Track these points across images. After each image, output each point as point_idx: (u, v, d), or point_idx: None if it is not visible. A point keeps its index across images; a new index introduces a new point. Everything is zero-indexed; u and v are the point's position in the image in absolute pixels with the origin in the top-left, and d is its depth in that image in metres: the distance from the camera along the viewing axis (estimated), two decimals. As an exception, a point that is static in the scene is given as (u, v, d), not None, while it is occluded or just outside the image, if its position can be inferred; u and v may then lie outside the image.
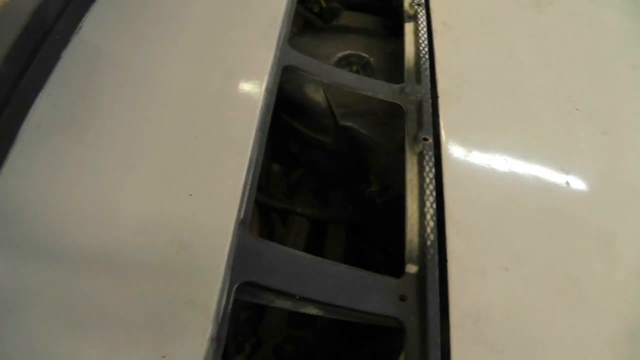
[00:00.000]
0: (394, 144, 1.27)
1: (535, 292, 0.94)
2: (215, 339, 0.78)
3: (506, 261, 0.96)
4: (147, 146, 0.98)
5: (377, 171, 1.31)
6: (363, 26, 1.71)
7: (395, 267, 0.97)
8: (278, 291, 0.88)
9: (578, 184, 1.11)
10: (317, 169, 1.50)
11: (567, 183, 1.10)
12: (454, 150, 1.09)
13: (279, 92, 1.24)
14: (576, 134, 1.21)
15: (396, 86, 1.20)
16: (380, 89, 1.20)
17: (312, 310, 0.89)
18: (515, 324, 0.90)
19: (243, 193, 0.92)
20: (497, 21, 1.42)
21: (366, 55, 1.48)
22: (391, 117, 1.29)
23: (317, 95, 1.37)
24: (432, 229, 0.97)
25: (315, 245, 1.38)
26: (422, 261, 0.95)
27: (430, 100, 1.16)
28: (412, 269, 0.94)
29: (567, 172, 1.11)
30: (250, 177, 0.95)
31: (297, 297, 0.87)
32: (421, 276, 0.93)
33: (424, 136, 1.09)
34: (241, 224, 0.89)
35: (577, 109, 1.25)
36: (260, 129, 1.01)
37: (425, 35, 1.30)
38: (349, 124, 1.33)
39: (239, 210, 0.90)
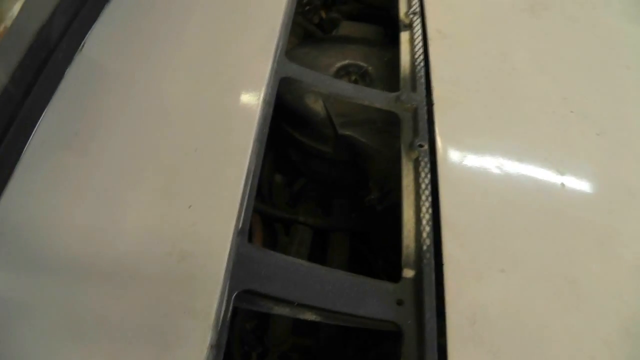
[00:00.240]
0: (392, 152, 1.29)
1: (532, 293, 0.96)
2: (215, 346, 0.80)
3: (502, 263, 0.98)
4: (149, 160, 1.01)
5: (376, 178, 1.33)
6: (362, 36, 1.74)
7: (395, 273, 0.99)
8: (277, 298, 0.90)
9: (574, 185, 1.13)
10: (318, 178, 1.52)
11: (563, 184, 1.12)
12: (449, 156, 1.10)
13: (280, 103, 1.26)
14: (571, 136, 1.22)
15: (392, 94, 1.22)
16: (376, 98, 1.22)
17: (310, 316, 0.91)
18: (512, 324, 0.92)
19: (241, 203, 0.94)
20: (492, 27, 1.44)
21: (365, 65, 1.50)
22: (390, 125, 1.31)
23: (316, 106, 1.39)
24: (428, 234, 0.99)
25: (318, 254, 1.40)
26: (418, 266, 0.96)
27: (425, 107, 1.18)
28: (409, 273, 0.96)
29: (562, 174, 1.13)
30: (249, 187, 0.97)
31: (296, 303, 0.89)
32: (418, 280, 0.95)
33: (419, 143, 1.11)
34: (240, 233, 0.92)
35: (571, 112, 1.26)
36: (258, 139, 1.04)
37: (421, 44, 1.32)
38: (348, 133, 1.35)
39: (238, 220, 0.92)
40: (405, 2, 1.46)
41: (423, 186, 1.05)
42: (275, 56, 1.18)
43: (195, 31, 1.24)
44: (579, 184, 1.14)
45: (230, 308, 0.85)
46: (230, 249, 0.88)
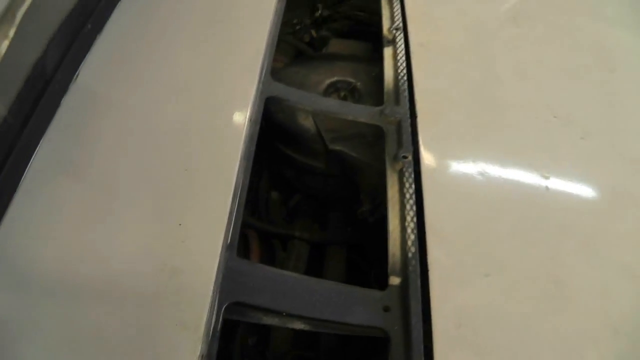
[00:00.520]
0: (382, 165, 1.32)
1: (517, 295, 0.98)
2: (206, 356, 0.83)
3: (487, 267, 1.00)
4: (141, 182, 1.05)
5: (367, 191, 1.36)
6: (351, 52, 1.78)
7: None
8: (266, 309, 0.93)
9: (558, 188, 1.15)
10: (313, 193, 1.55)
11: (547, 188, 1.14)
12: (433, 165, 1.13)
13: (272, 122, 1.30)
14: (555, 141, 1.24)
15: (376, 109, 1.26)
16: (361, 113, 1.26)
17: (299, 325, 0.94)
18: (497, 326, 0.94)
19: (229, 219, 0.98)
20: (475, 38, 1.47)
21: (353, 81, 1.53)
22: (379, 138, 1.35)
23: (307, 122, 1.43)
24: (413, 242, 1.02)
25: (316, 267, 1.43)
26: (404, 273, 0.99)
27: (409, 120, 1.22)
28: (395, 281, 0.99)
29: (546, 178, 1.15)
30: (237, 203, 1.01)
31: (284, 313, 0.92)
32: (404, 287, 0.97)
33: (403, 154, 1.14)
34: (228, 248, 0.95)
35: (555, 117, 1.28)
36: (245, 157, 1.07)
37: (404, 58, 1.35)
38: (338, 148, 1.39)
39: (226, 235, 0.96)
40: (388, 19, 1.50)
41: (407, 196, 1.08)
42: (260, 76, 1.22)
43: (183, 56, 1.29)
44: (563, 187, 1.16)
45: (221, 320, 0.88)
46: (219, 264, 0.92)
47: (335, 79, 1.54)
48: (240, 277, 0.93)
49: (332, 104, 1.28)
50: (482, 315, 0.94)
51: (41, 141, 1.10)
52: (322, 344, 1.31)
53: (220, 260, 0.92)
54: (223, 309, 0.89)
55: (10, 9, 1.09)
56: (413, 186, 1.10)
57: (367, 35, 1.86)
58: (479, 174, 1.14)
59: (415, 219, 1.05)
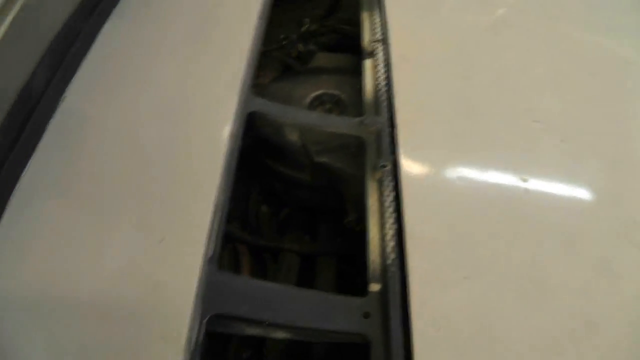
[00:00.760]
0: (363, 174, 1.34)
1: (497, 296, 0.99)
2: (187, 367, 0.85)
3: (466, 270, 1.01)
4: (125, 200, 1.07)
5: (352, 201, 1.37)
6: (336, 65, 1.80)
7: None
8: (248, 320, 0.95)
9: (537, 190, 1.16)
10: (302, 205, 1.57)
11: (526, 190, 1.15)
12: (412, 174, 1.15)
13: (259, 137, 1.33)
14: (534, 144, 1.26)
15: (356, 119, 1.28)
16: (341, 124, 1.28)
17: (281, 334, 0.96)
18: (477, 327, 0.95)
19: (210, 233, 1.00)
20: (456, 48, 1.49)
21: (338, 93, 1.56)
22: (361, 149, 1.37)
23: (293, 136, 1.45)
24: (392, 248, 1.04)
25: (307, 278, 1.44)
26: (384, 279, 1.01)
27: (388, 129, 1.24)
28: (375, 287, 1.01)
29: (525, 180, 1.16)
30: (217, 218, 1.03)
31: (267, 323, 0.94)
32: (383, 293, 0.99)
33: (382, 163, 1.17)
34: (209, 261, 0.97)
35: (535, 121, 1.30)
36: (226, 172, 1.10)
37: (384, 70, 1.38)
38: (323, 160, 1.40)
39: (207, 249, 0.98)
40: (369, 31, 1.53)
41: (387, 204, 1.10)
42: (241, 92, 1.25)
43: (167, 75, 1.32)
44: (542, 189, 1.18)
45: (203, 332, 0.90)
46: (200, 277, 0.94)
47: (320, 92, 1.56)
48: (221, 289, 0.95)
49: (313, 117, 1.31)
50: (461, 318, 0.96)
51: (29, 163, 1.13)
52: (314, 356, 1.32)
53: (201, 273, 0.94)
54: (205, 321, 0.90)
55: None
56: (392, 194, 1.12)
57: (355, 48, 1.88)
58: (457, 180, 1.16)
59: (394, 226, 1.07)
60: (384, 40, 1.47)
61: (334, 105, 1.55)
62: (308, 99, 1.55)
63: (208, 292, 0.94)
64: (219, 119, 1.20)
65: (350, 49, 1.89)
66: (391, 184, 1.13)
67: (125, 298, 0.93)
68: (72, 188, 1.10)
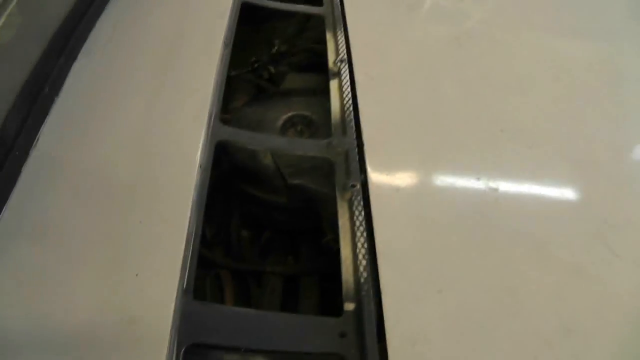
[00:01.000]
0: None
1: (471, 307, 1.01)
2: (165, 401, 0.87)
3: (439, 284, 1.03)
4: (99, 238, 1.08)
5: (329, 220, 1.39)
6: (306, 86, 1.82)
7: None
8: (225, 347, 0.96)
9: (506, 197, 1.19)
10: (281, 228, 1.59)
11: (496, 199, 1.18)
12: (381, 192, 1.17)
13: (234, 164, 1.34)
14: (502, 153, 1.29)
15: (323, 141, 1.31)
16: (309, 147, 1.30)
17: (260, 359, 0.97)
18: (452, 339, 0.97)
19: (184, 265, 1.01)
20: (420, 63, 1.52)
21: (309, 114, 1.58)
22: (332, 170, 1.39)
23: (266, 160, 1.47)
24: (364, 267, 1.06)
25: (291, 299, 1.46)
26: (357, 298, 1.03)
27: (356, 149, 1.26)
28: (349, 306, 1.02)
29: (495, 190, 1.19)
30: (190, 249, 1.05)
31: (243, 350, 0.96)
32: (358, 311, 1.01)
33: (352, 183, 1.19)
34: (184, 292, 0.99)
35: (501, 130, 1.33)
36: (197, 204, 1.12)
37: (349, 89, 1.40)
38: (297, 182, 1.42)
39: (182, 281, 0.99)
40: (333, 51, 1.56)
41: (357, 223, 1.12)
42: (209, 122, 1.27)
43: (135, 111, 1.33)
44: (511, 196, 1.21)
45: None
46: (175, 308, 0.95)
47: (291, 114, 1.59)
48: (197, 319, 0.96)
49: (281, 142, 1.33)
50: (437, 331, 0.97)
51: (4, 207, 1.14)
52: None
53: (176, 305, 0.96)
54: (182, 351, 0.92)
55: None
56: (362, 213, 1.14)
57: (326, 67, 1.91)
58: (427, 194, 1.18)
59: (366, 245, 1.09)
60: (349, 60, 1.49)
61: (306, 126, 1.58)
62: (280, 122, 1.57)
63: (184, 323, 0.95)
64: (188, 151, 1.22)
65: (322, 67, 1.92)
66: (361, 203, 1.15)
67: (101, 334, 0.94)
68: (46, 231, 1.10)
